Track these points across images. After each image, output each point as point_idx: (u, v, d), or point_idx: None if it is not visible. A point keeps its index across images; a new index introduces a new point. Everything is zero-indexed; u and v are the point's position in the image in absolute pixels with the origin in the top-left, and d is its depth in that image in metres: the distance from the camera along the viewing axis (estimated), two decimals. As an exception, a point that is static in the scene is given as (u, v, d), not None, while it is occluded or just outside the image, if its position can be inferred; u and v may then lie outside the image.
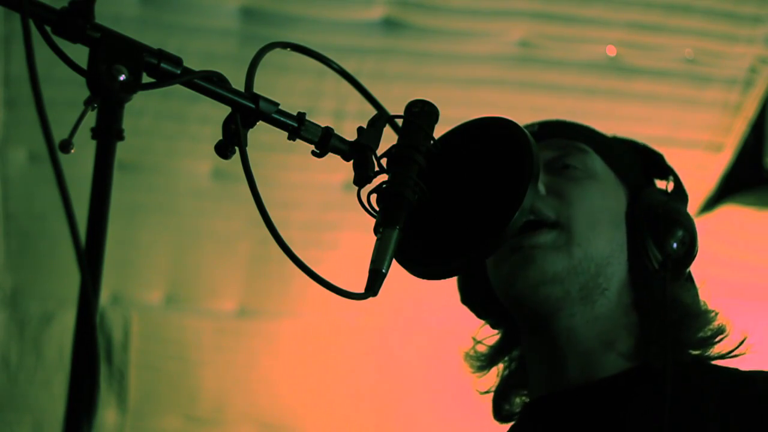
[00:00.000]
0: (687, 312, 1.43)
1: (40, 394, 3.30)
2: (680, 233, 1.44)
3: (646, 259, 1.44)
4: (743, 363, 1.44)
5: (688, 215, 1.48)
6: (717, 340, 1.43)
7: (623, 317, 1.45)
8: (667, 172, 1.56)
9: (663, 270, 1.43)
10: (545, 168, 1.47)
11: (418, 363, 3.35)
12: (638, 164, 1.57)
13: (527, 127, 1.41)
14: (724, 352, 1.44)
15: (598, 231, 1.44)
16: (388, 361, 3.37)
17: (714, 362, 1.44)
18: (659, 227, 1.44)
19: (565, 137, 1.53)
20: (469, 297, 1.58)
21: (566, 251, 1.41)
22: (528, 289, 1.40)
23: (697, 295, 1.49)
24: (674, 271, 1.44)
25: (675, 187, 1.54)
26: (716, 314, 1.45)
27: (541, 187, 1.42)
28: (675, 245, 1.44)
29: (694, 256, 1.47)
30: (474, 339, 1.60)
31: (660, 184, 1.57)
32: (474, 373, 1.59)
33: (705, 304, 1.48)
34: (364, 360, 3.37)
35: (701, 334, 1.43)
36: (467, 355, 1.60)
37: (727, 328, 1.44)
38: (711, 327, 1.44)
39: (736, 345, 1.44)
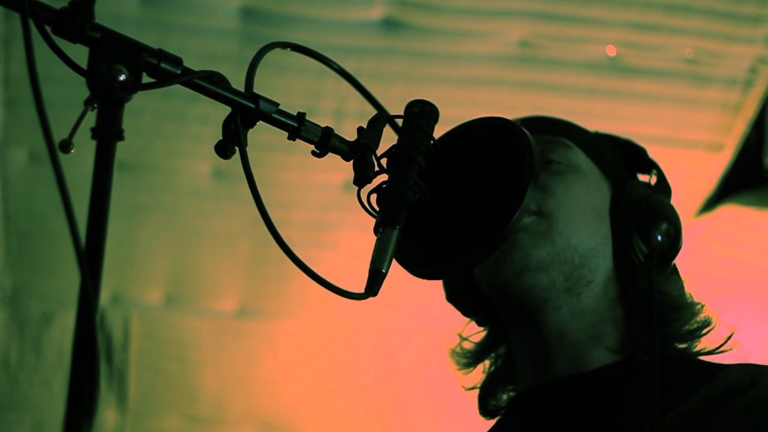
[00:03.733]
0: (673, 304, 1.43)
1: (40, 394, 3.30)
2: (665, 226, 1.44)
3: (631, 252, 1.44)
4: (731, 359, 1.43)
5: (672, 208, 1.49)
6: (703, 332, 1.43)
7: (609, 311, 1.45)
8: (649, 165, 1.57)
9: (648, 263, 1.43)
10: None
11: (418, 363, 3.35)
12: (621, 159, 1.58)
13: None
14: (710, 348, 1.43)
15: (581, 223, 1.44)
16: (388, 361, 3.37)
17: (701, 358, 1.44)
18: (644, 220, 1.45)
19: (548, 133, 1.53)
20: (455, 294, 1.59)
21: (548, 238, 1.41)
22: (513, 275, 1.40)
23: (682, 287, 1.49)
24: (659, 263, 1.44)
25: (658, 180, 1.54)
26: (702, 306, 1.45)
27: None
28: (660, 238, 1.44)
29: (679, 249, 1.47)
30: (460, 336, 1.61)
31: (643, 178, 1.58)
32: (460, 370, 1.60)
33: (691, 296, 1.48)
34: (364, 360, 3.37)
35: (687, 327, 1.43)
36: (453, 352, 1.61)
37: (714, 321, 1.44)
38: (697, 319, 1.43)
39: (724, 340, 1.43)
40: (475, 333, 1.61)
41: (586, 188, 1.48)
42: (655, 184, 1.54)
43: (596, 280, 1.44)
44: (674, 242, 1.45)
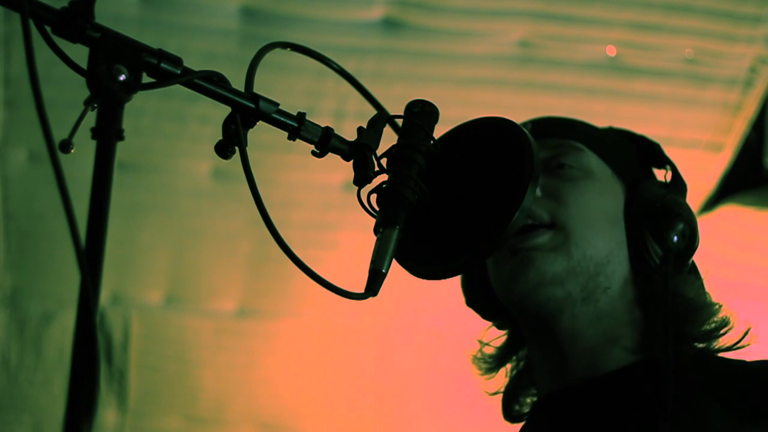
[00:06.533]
0: (690, 305, 1.42)
1: (40, 394, 3.30)
2: (680, 226, 1.43)
3: (646, 254, 1.43)
4: (749, 354, 1.42)
5: (687, 207, 1.47)
6: (721, 332, 1.42)
7: (627, 313, 1.45)
8: (664, 161, 1.55)
9: (664, 264, 1.42)
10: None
11: (417, 363, 3.35)
12: (635, 156, 1.56)
13: (520, 125, 1.41)
14: (729, 344, 1.42)
15: (595, 230, 1.43)
16: (388, 361, 3.37)
17: (721, 354, 1.43)
18: (658, 221, 1.44)
19: (559, 136, 1.52)
20: (474, 299, 1.58)
21: (564, 252, 1.40)
22: (528, 291, 1.39)
23: (701, 286, 1.48)
24: (676, 264, 1.43)
25: (673, 177, 1.52)
26: (720, 306, 1.44)
27: (537, 190, 1.42)
28: (675, 239, 1.43)
29: (695, 248, 1.46)
30: (480, 342, 1.60)
31: (658, 173, 1.56)
32: (482, 375, 1.59)
33: (709, 296, 1.47)
34: (364, 360, 3.37)
35: (705, 327, 1.42)
36: (475, 358, 1.60)
37: (732, 320, 1.43)
38: (715, 319, 1.43)
39: (741, 336, 1.42)
40: (496, 338, 1.60)
41: (599, 193, 1.47)
42: (670, 181, 1.52)
43: (613, 285, 1.43)
44: (690, 242, 1.44)
